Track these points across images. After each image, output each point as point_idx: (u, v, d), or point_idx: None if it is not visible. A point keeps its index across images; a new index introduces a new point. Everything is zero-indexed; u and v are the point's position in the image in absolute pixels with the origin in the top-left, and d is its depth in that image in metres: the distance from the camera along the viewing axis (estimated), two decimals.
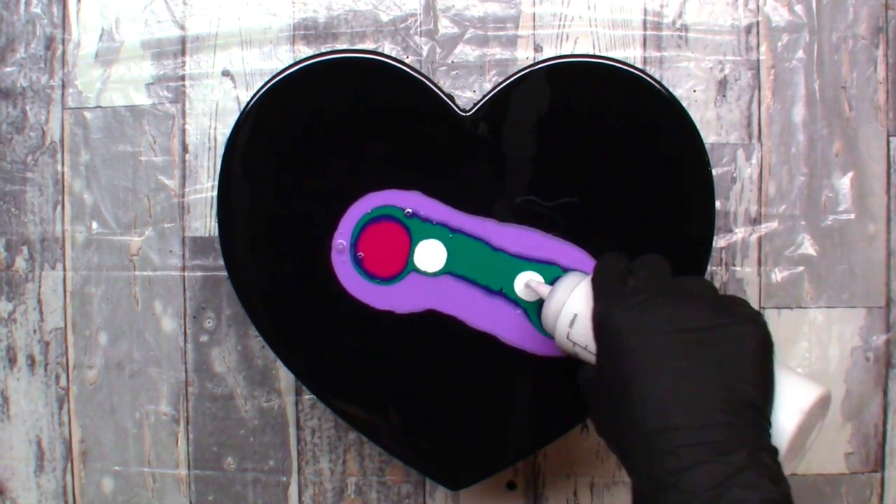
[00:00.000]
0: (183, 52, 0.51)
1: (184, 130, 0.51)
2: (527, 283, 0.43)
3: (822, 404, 0.33)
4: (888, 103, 0.50)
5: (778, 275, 0.51)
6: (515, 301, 0.44)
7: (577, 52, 0.50)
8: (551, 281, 0.42)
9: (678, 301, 0.33)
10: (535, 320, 0.44)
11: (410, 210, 0.44)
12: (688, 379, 0.31)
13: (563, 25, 0.50)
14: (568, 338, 0.38)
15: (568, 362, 0.45)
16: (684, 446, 0.29)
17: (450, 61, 0.50)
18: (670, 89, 0.45)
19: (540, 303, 0.41)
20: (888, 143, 0.50)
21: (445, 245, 0.44)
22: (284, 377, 0.52)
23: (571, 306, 0.38)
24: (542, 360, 0.44)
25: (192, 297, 0.52)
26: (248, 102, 0.44)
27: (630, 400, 0.32)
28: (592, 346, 0.36)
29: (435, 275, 0.44)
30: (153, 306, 0.52)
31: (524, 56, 0.50)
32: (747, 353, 0.32)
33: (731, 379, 0.31)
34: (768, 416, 0.31)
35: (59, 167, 0.52)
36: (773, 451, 0.30)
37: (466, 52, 0.50)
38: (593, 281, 0.37)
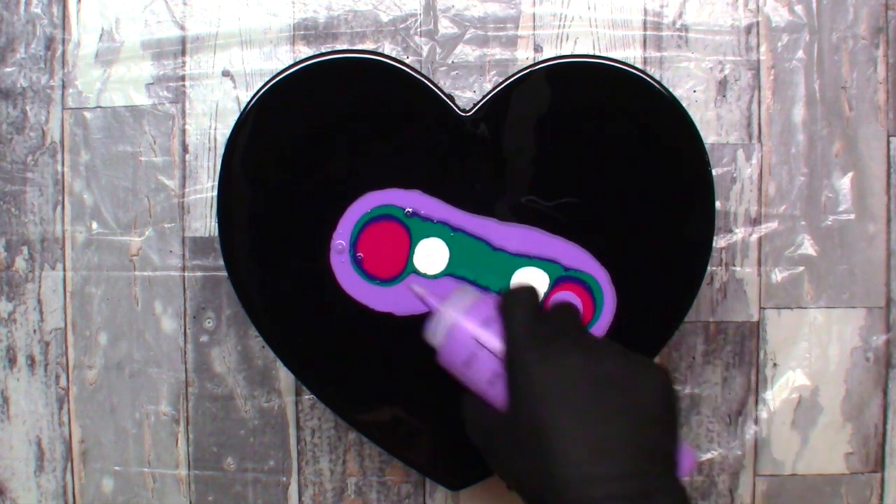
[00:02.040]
0: (183, 52, 0.51)
1: (184, 130, 0.51)
2: (411, 285, 0.43)
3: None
4: (888, 103, 0.50)
5: (778, 275, 0.51)
6: None
7: (577, 52, 0.50)
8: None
9: (590, 351, 0.34)
10: None
11: (411, 209, 0.44)
12: (604, 428, 0.31)
13: (563, 25, 0.50)
14: (469, 367, 0.37)
15: None
16: (603, 497, 0.30)
17: (450, 61, 0.50)
18: (670, 89, 0.45)
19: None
20: (888, 143, 0.50)
21: (447, 244, 0.44)
22: (284, 377, 0.52)
23: (466, 332, 0.37)
24: None
25: (192, 297, 0.52)
26: (248, 102, 0.44)
27: (545, 450, 0.32)
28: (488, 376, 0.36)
29: (435, 277, 0.44)
30: (153, 306, 0.52)
31: (524, 56, 0.50)
32: (658, 400, 0.33)
33: (644, 427, 0.32)
34: (677, 459, 0.33)
35: (59, 167, 0.52)
36: (682, 491, 0.32)
37: (466, 53, 0.50)
38: (503, 316, 0.37)
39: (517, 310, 0.36)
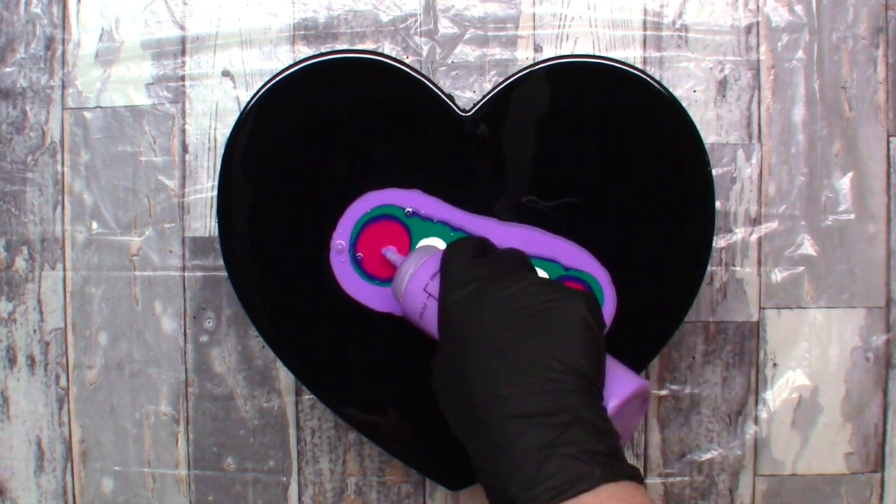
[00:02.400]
0: (183, 52, 0.51)
1: (184, 130, 0.51)
2: (384, 250, 0.44)
3: (642, 397, 0.36)
4: (888, 103, 0.50)
5: (778, 275, 0.51)
6: None
7: (577, 52, 0.50)
8: None
9: (512, 282, 0.35)
10: None
11: (411, 209, 0.44)
12: (517, 353, 0.33)
13: (563, 25, 0.50)
14: (421, 314, 0.39)
15: None
16: (513, 416, 0.32)
17: (450, 61, 0.50)
18: (670, 89, 0.45)
19: None
20: (888, 143, 0.50)
21: (447, 244, 0.44)
22: (284, 377, 0.52)
23: (417, 283, 0.40)
24: None
25: (192, 297, 0.52)
26: (248, 102, 0.44)
27: (465, 379, 0.34)
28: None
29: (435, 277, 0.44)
30: (153, 306, 0.52)
31: (524, 56, 0.50)
32: (575, 324, 0.34)
33: (558, 350, 0.33)
34: (597, 382, 0.34)
35: (59, 167, 0.52)
36: (601, 411, 0.33)
37: (466, 53, 0.50)
38: (441, 265, 0.38)
39: (452, 257, 0.38)
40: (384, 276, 0.45)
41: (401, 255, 0.43)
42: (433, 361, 0.37)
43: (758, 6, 0.50)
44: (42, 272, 0.52)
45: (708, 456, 0.52)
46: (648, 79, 0.44)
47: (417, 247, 0.43)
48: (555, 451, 0.30)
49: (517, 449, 0.31)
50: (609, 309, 0.44)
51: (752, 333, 0.51)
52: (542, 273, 0.43)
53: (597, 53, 0.50)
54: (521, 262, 0.39)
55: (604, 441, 0.31)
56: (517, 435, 0.31)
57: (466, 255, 0.38)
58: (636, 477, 0.31)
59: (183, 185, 0.51)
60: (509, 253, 0.39)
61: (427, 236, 0.44)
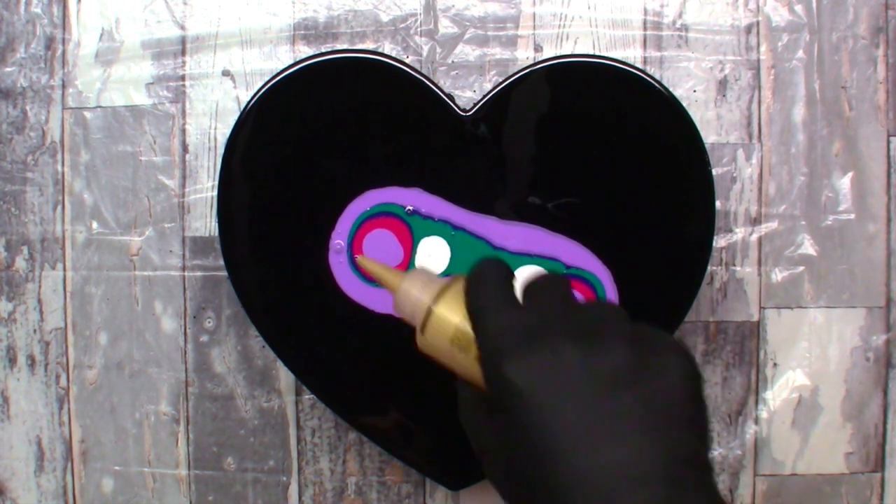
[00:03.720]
0: (183, 52, 0.51)
1: (184, 130, 0.51)
2: (359, 258, 0.39)
3: None
4: (888, 103, 0.50)
5: (778, 275, 0.51)
6: None
7: (577, 52, 0.50)
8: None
9: (588, 338, 0.26)
10: None
11: (411, 207, 0.44)
12: (624, 448, 0.24)
13: (563, 25, 0.50)
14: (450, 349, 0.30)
15: None
16: None
17: (450, 61, 0.50)
18: (670, 89, 0.45)
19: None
20: (888, 143, 0.50)
21: (448, 243, 0.44)
22: (284, 377, 0.52)
23: (445, 318, 0.30)
24: None
25: (192, 297, 0.52)
26: (248, 102, 0.44)
27: (554, 479, 0.25)
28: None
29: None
30: (153, 306, 0.52)
31: (524, 56, 0.50)
32: (682, 396, 0.26)
33: (672, 436, 0.25)
34: (711, 465, 0.26)
35: (59, 167, 0.52)
36: (719, 497, 0.25)
37: (466, 52, 0.50)
38: (469, 304, 0.29)
39: (485, 296, 0.29)
40: None
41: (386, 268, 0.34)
42: (468, 405, 0.29)
43: (758, 6, 0.50)
44: (42, 272, 0.52)
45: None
46: (648, 79, 0.44)
47: (415, 270, 0.33)
48: None
49: None
50: None
51: (752, 333, 0.51)
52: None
53: (597, 53, 0.50)
54: (567, 290, 0.29)
55: None
56: None
57: (502, 292, 0.29)
58: None
59: (183, 185, 0.51)
60: (555, 282, 0.30)
61: (428, 235, 0.44)
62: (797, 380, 0.51)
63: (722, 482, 0.52)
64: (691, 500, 0.24)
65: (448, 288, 0.30)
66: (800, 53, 0.50)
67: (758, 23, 0.50)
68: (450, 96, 0.44)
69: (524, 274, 0.44)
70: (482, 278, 0.29)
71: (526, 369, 0.26)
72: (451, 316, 0.29)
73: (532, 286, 0.30)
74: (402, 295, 0.31)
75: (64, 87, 0.52)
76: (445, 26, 0.50)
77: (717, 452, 0.51)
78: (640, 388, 0.25)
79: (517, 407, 0.26)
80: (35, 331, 0.52)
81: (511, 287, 0.29)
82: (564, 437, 0.25)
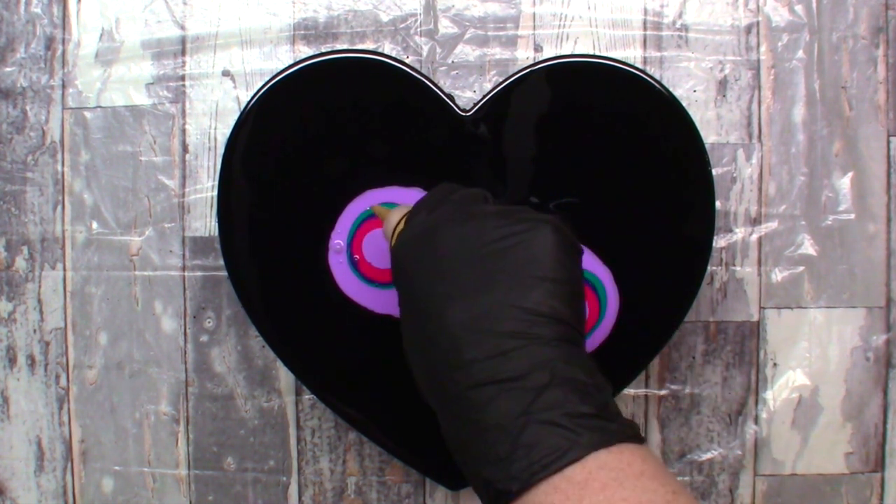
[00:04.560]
0: (183, 52, 0.51)
1: (184, 130, 0.51)
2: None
3: None
4: (888, 103, 0.50)
5: (778, 275, 0.51)
6: None
7: (577, 52, 0.50)
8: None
9: (465, 217, 0.30)
10: None
11: None
12: (478, 305, 0.28)
13: (563, 25, 0.50)
14: None
15: None
16: (479, 383, 0.27)
17: (450, 61, 0.50)
18: (670, 89, 0.45)
19: None
20: (888, 143, 0.50)
21: None
22: (284, 377, 0.52)
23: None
24: None
25: (192, 297, 0.52)
26: (248, 102, 0.44)
27: (422, 342, 0.29)
28: None
29: None
30: (153, 306, 0.52)
31: (524, 56, 0.50)
32: (543, 259, 0.28)
33: (524, 293, 0.28)
34: (576, 325, 0.28)
35: (59, 167, 0.52)
36: (584, 362, 0.28)
37: (466, 52, 0.50)
38: (409, 210, 0.34)
39: (417, 204, 0.34)
40: (382, 278, 0.45)
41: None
42: (401, 321, 0.33)
43: (758, 6, 0.50)
44: (42, 272, 0.52)
45: (708, 456, 0.52)
46: (648, 79, 0.44)
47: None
48: (531, 420, 0.26)
49: (488, 421, 0.26)
50: (613, 307, 0.44)
51: (753, 333, 0.51)
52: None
53: (597, 53, 0.50)
54: (484, 197, 0.34)
55: (589, 399, 0.26)
56: (486, 405, 0.26)
57: (430, 200, 0.34)
58: (634, 437, 0.27)
59: (183, 185, 0.51)
60: (471, 190, 0.34)
61: None
62: (797, 380, 0.51)
63: (722, 482, 0.52)
64: (540, 354, 0.27)
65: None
66: (800, 53, 0.50)
67: (758, 23, 0.50)
68: (450, 96, 0.44)
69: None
70: (422, 199, 0.34)
71: (408, 241, 0.31)
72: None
73: (456, 196, 0.34)
74: (385, 221, 0.37)
75: (64, 87, 0.52)
76: (445, 26, 0.50)
77: (717, 452, 0.51)
78: (505, 253, 0.29)
79: (403, 277, 0.31)
80: (35, 331, 0.52)
81: (435, 202, 0.33)
82: (435, 298, 0.29)
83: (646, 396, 0.51)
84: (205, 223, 0.51)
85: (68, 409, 0.53)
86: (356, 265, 0.45)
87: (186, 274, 0.52)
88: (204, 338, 0.52)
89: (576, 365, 0.27)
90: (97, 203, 0.52)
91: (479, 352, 0.27)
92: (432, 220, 0.32)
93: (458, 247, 0.29)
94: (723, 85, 0.50)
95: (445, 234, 0.30)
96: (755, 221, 0.51)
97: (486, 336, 0.27)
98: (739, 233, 0.51)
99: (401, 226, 0.35)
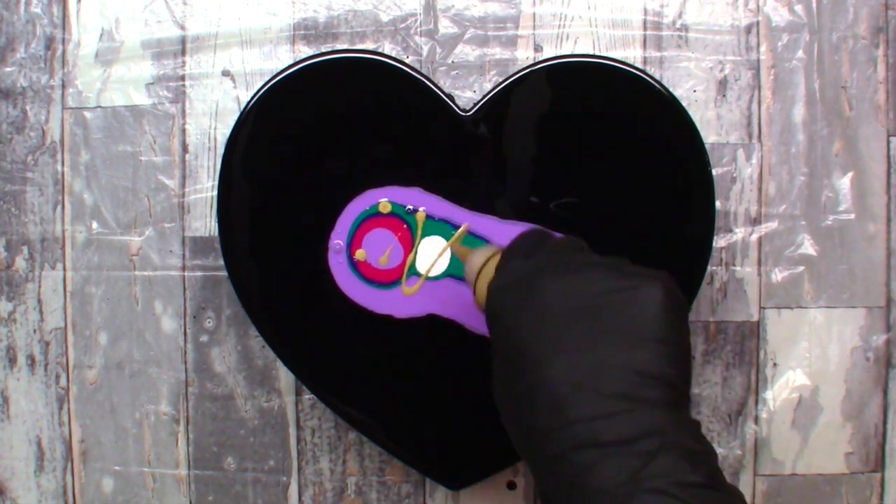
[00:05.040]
0: (183, 52, 0.51)
1: (184, 130, 0.51)
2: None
3: None
4: (888, 103, 0.50)
5: (778, 275, 0.51)
6: None
7: (577, 52, 0.50)
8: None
9: (570, 268, 0.30)
10: None
11: (411, 207, 0.44)
12: (583, 362, 0.27)
13: (563, 25, 0.50)
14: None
15: None
16: (583, 445, 0.26)
17: (450, 61, 0.50)
18: (670, 89, 0.45)
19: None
20: (888, 143, 0.50)
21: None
22: (284, 377, 0.52)
23: (485, 278, 0.35)
24: None
25: (192, 297, 0.52)
26: (248, 102, 0.44)
27: (522, 397, 0.28)
28: None
29: (436, 278, 0.44)
30: (153, 306, 0.52)
31: (524, 56, 0.50)
32: (652, 319, 0.27)
33: (633, 353, 0.27)
34: (684, 389, 0.27)
35: (59, 167, 0.52)
36: (693, 426, 0.27)
37: (466, 52, 0.50)
38: (502, 255, 0.33)
39: (508, 249, 0.33)
40: (382, 279, 0.45)
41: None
42: (492, 370, 0.32)
43: (758, 6, 0.50)
44: (42, 272, 0.52)
45: None
46: (648, 79, 0.44)
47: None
48: (639, 487, 0.25)
49: (591, 486, 0.25)
50: None
51: (752, 333, 0.51)
52: None
53: (597, 53, 0.50)
54: (581, 247, 0.33)
55: (700, 467, 0.25)
56: (591, 469, 0.25)
57: (525, 245, 0.32)
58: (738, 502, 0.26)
59: (183, 185, 0.51)
60: (568, 239, 0.33)
61: (428, 235, 0.44)
62: (797, 380, 0.51)
63: None
64: (649, 419, 0.26)
65: (494, 255, 0.35)
66: (800, 53, 0.50)
67: (758, 23, 0.50)
68: (450, 96, 0.44)
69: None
70: (514, 244, 0.34)
71: (506, 288, 0.30)
72: (489, 275, 0.34)
73: (552, 245, 0.33)
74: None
75: (64, 87, 0.52)
76: (445, 26, 0.50)
77: (717, 452, 0.51)
78: (611, 308, 0.28)
79: (500, 332, 0.30)
80: (35, 331, 0.52)
81: (531, 248, 0.33)
82: (536, 350, 0.28)
83: None
84: (205, 223, 0.51)
85: (68, 409, 0.53)
86: (356, 265, 0.45)
87: (186, 274, 0.52)
88: (204, 338, 0.52)
89: (685, 431, 0.26)
90: (97, 203, 0.52)
91: (583, 412, 0.26)
92: (531, 268, 0.31)
93: (561, 299, 0.28)
94: (723, 85, 0.50)
95: (548, 285, 0.29)
96: (755, 221, 0.51)
97: (590, 395, 0.26)
98: (739, 233, 0.51)
99: (488, 269, 0.34)
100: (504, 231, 0.44)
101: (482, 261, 0.35)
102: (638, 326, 0.27)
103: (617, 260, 0.31)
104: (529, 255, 0.32)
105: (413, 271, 0.44)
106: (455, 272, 0.44)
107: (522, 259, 0.32)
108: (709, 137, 0.50)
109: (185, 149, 0.51)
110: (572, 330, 0.28)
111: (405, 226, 0.44)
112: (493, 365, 0.31)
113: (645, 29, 0.50)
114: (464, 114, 0.44)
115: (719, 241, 0.50)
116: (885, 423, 0.51)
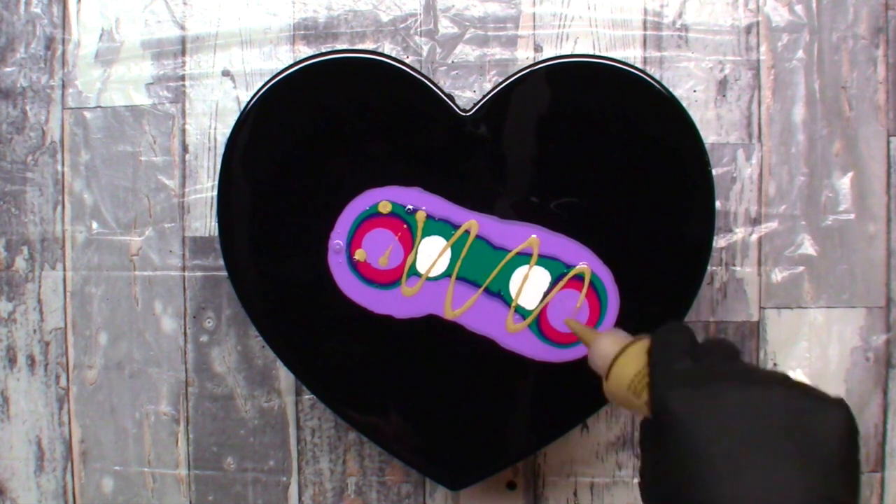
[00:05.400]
0: (183, 52, 0.51)
1: (184, 130, 0.51)
2: (567, 319, 0.40)
3: None
4: (888, 103, 0.50)
5: (778, 275, 0.51)
6: (509, 304, 0.44)
7: (577, 52, 0.50)
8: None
9: (752, 384, 0.29)
10: (533, 327, 0.44)
11: (412, 206, 0.44)
12: (763, 481, 0.26)
13: (563, 25, 0.50)
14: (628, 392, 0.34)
15: (567, 367, 0.45)
16: None
17: (450, 61, 0.50)
18: (670, 89, 0.45)
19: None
20: (888, 143, 0.50)
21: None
22: (284, 377, 0.52)
23: (625, 367, 0.34)
24: (541, 363, 0.44)
25: (192, 297, 0.52)
26: (248, 102, 0.44)
27: (689, 501, 0.27)
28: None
29: (437, 279, 0.44)
30: (153, 306, 0.52)
31: (524, 56, 0.50)
32: (836, 444, 0.27)
33: (819, 477, 0.26)
34: None
35: (59, 167, 0.52)
36: None
37: (466, 52, 0.50)
38: (651, 355, 0.33)
39: (663, 341, 0.33)
40: (382, 279, 0.45)
41: (586, 326, 0.39)
42: (641, 467, 0.31)
43: (758, 6, 0.50)
44: (42, 272, 0.52)
45: None
46: (648, 79, 0.44)
47: (611, 329, 0.37)
48: None
49: None
50: (613, 308, 0.44)
51: (752, 333, 0.51)
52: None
53: (597, 53, 0.50)
54: (738, 352, 0.33)
55: None
56: None
57: (682, 344, 0.32)
58: None
59: (183, 185, 0.51)
60: (722, 341, 0.33)
61: (429, 234, 0.44)
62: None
63: None
64: None
65: (632, 345, 0.34)
66: (800, 53, 0.50)
67: (758, 23, 0.50)
68: (450, 96, 0.44)
69: (522, 275, 0.44)
70: (665, 339, 0.33)
71: (689, 403, 0.29)
72: (630, 367, 0.33)
73: (703, 342, 0.33)
74: (594, 348, 0.36)
75: (64, 87, 0.52)
76: (445, 26, 0.50)
77: None
78: (795, 429, 0.27)
79: (678, 436, 0.28)
80: (35, 331, 0.52)
81: (687, 346, 0.32)
82: (716, 463, 0.27)
83: None
84: (205, 223, 0.51)
85: (68, 409, 0.53)
86: (355, 265, 0.45)
87: (186, 274, 0.52)
88: (204, 338, 0.52)
89: None
90: (97, 203, 0.52)
91: None
92: (706, 374, 0.30)
93: (744, 412, 0.28)
94: (723, 85, 0.50)
95: (730, 395, 0.28)
96: (755, 221, 0.51)
97: None
98: (739, 233, 0.51)
99: (628, 360, 0.34)
100: (505, 231, 0.44)
101: (616, 350, 0.34)
102: (821, 451, 0.27)
103: (784, 375, 0.30)
104: (695, 357, 0.32)
105: (413, 271, 0.44)
106: (453, 270, 0.44)
107: (688, 360, 0.31)
108: (709, 137, 0.50)
109: (185, 149, 0.51)
110: (756, 447, 0.27)
111: (405, 226, 0.44)
112: (645, 459, 0.31)
113: (645, 29, 0.50)
114: (464, 114, 0.44)
115: (719, 241, 0.50)
116: (885, 423, 0.51)
